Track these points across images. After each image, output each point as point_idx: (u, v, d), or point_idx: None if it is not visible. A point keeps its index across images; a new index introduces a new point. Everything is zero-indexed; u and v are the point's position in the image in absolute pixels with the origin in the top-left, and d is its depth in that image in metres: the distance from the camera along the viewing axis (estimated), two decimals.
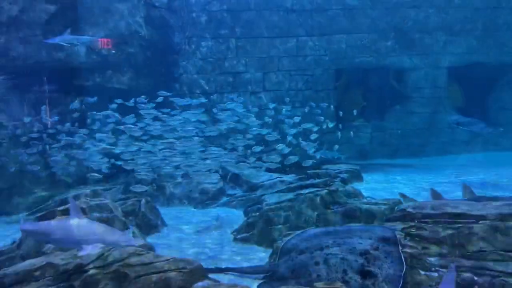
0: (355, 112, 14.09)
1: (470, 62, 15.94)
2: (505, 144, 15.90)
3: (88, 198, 7.51)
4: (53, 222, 4.63)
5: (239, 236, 8.05)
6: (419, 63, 15.57)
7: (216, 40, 14.24)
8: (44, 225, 4.66)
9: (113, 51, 12.00)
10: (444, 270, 5.37)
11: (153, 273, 4.79)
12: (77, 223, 4.41)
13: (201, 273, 5.05)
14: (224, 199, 10.61)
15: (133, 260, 4.99)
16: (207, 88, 13.94)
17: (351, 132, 14.09)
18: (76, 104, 11.22)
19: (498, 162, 13.90)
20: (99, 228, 4.49)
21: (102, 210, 7.06)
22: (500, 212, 5.78)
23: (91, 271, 4.82)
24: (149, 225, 8.38)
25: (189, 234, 8.51)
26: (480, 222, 5.74)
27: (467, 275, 5.26)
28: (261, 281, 5.98)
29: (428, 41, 15.50)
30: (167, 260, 4.93)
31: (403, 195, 8.63)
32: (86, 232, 4.38)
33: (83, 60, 11.97)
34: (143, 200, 8.66)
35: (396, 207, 6.79)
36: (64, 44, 9.55)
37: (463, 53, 15.80)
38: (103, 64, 12.27)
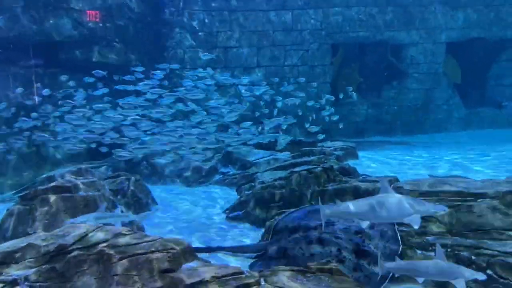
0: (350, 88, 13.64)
1: (469, 37, 15.58)
2: (501, 122, 15.73)
3: (74, 176, 7.23)
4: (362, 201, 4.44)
5: (231, 215, 7.87)
6: (417, 38, 15.19)
7: (208, 13, 13.76)
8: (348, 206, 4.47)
9: (101, 24, 11.49)
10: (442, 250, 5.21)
11: (139, 254, 4.56)
12: (393, 199, 4.27)
13: (190, 253, 4.83)
14: (217, 177, 10.40)
15: (119, 240, 4.74)
16: (198, 63, 13.52)
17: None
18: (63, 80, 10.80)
19: (499, 139, 13.52)
20: (410, 201, 4.28)
21: (89, 188, 6.80)
22: (499, 189, 5.62)
23: (74, 253, 4.59)
24: (138, 204, 8.15)
25: (180, 213, 8.31)
26: (479, 200, 5.57)
27: (464, 254, 5.10)
28: (253, 260, 5.82)
29: (426, 15, 15.09)
30: (154, 240, 4.68)
31: None
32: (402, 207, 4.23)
33: (69, 34, 11.51)
34: (133, 178, 8.40)
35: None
36: None
37: (463, 28, 15.42)
38: (90, 38, 11.81)
